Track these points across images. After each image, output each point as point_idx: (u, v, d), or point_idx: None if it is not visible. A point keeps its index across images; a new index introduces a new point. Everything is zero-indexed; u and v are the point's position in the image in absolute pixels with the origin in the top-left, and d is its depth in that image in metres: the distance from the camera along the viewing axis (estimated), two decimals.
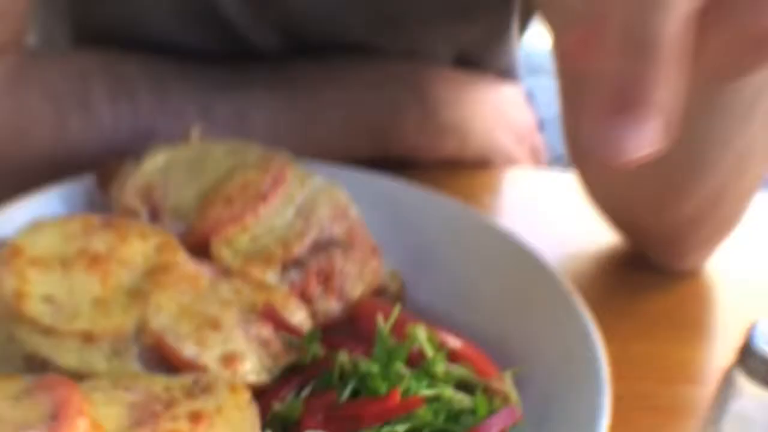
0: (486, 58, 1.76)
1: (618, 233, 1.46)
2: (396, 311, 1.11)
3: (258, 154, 1.34)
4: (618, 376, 1.11)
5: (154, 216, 1.30)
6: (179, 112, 1.50)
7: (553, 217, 1.55)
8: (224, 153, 1.35)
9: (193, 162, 1.34)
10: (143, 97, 1.50)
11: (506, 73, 1.79)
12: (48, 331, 1.10)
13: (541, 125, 1.85)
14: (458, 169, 1.63)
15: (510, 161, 1.69)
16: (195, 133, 1.39)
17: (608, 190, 1.37)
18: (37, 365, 1.11)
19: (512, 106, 1.75)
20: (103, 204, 1.35)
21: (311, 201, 1.29)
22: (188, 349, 1.09)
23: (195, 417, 1.00)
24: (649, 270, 1.45)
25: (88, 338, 1.10)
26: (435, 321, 1.19)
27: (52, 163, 1.44)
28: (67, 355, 1.09)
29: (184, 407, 1.01)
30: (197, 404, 1.02)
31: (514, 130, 1.71)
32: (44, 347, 1.10)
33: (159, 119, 1.49)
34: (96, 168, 1.38)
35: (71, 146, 1.47)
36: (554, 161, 1.87)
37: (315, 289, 1.23)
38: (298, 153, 1.37)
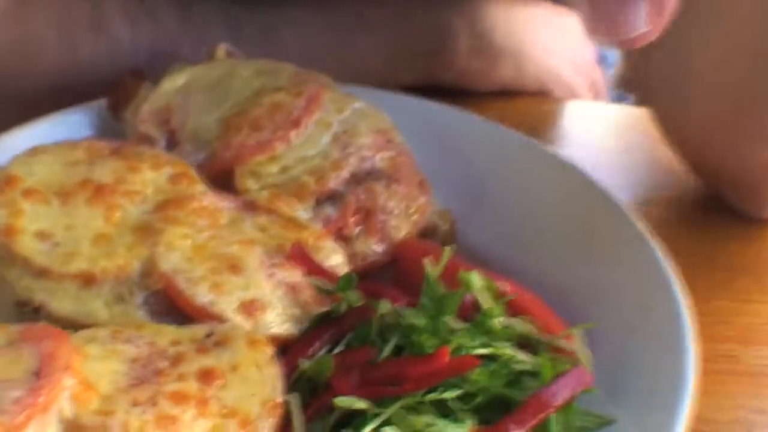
0: None
1: (696, 176, 1.30)
2: (447, 254, 0.96)
3: (290, 74, 1.19)
4: (697, 335, 0.96)
5: (172, 143, 1.15)
6: (203, 31, 1.37)
7: (621, 155, 1.39)
8: (252, 73, 1.20)
9: (217, 82, 1.19)
10: (164, 16, 1.37)
11: (564, 0, 1.63)
12: (42, 273, 0.96)
13: (602, 60, 1.72)
14: (515, 99, 1.49)
15: (570, 93, 1.55)
16: (220, 51, 1.23)
17: (685, 128, 1.24)
18: (28, 312, 0.96)
19: (572, 35, 1.60)
20: (115, 132, 1.19)
21: (350, 127, 1.14)
22: (202, 295, 0.94)
23: (205, 375, 0.86)
24: (730, 216, 1.28)
25: (87, 281, 0.96)
26: (491, 267, 1.04)
27: (61, 91, 1.31)
28: (62, 301, 0.96)
29: (194, 364, 0.87)
30: (209, 360, 0.88)
31: (574, 60, 1.58)
32: (37, 291, 0.96)
33: (181, 39, 1.36)
34: (108, 88, 1.21)
35: (82, 71, 1.34)
36: (615, 101, 1.74)
37: (353, 227, 1.08)
38: (335, 78, 1.22)
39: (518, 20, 1.48)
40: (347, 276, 0.97)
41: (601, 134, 1.48)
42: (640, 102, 1.30)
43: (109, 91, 1.23)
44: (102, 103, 1.23)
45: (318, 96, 1.15)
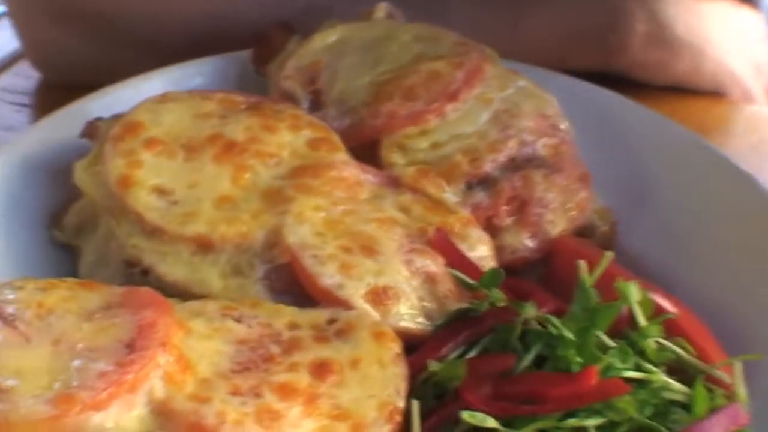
0: None
1: None
2: (606, 259, 0.84)
3: (452, 43, 1.09)
4: None
5: (316, 104, 1.05)
6: None
7: None
8: (412, 38, 1.10)
9: (372, 44, 1.09)
10: None
11: None
12: (154, 232, 0.88)
13: None
14: (690, 98, 1.37)
15: (746, 96, 1.43)
16: (380, 10, 1.12)
17: None
18: (136, 274, 0.88)
19: (752, 34, 1.49)
20: (257, 87, 1.10)
21: (513, 107, 1.03)
22: (329, 276, 0.84)
23: (320, 369, 0.76)
24: None
25: (203, 246, 0.87)
26: (648, 277, 0.93)
27: (198, 43, 1.23)
28: (173, 266, 0.87)
29: (309, 354, 0.78)
30: (327, 352, 0.78)
31: (753, 61, 1.46)
32: (147, 252, 0.88)
33: None
34: (255, 39, 1.13)
35: (227, 20, 1.26)
36: None
37: (505, 217, 0.97)
38: (503, 54, 1.12)
39: (701, 14, 1.37)
40: (494, 271, 0.87)
41: None
42: None
43: (255, 42, 1.14)
44: (246, 54, 1.14)
45: (480, 69, 1.04)
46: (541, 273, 0.96)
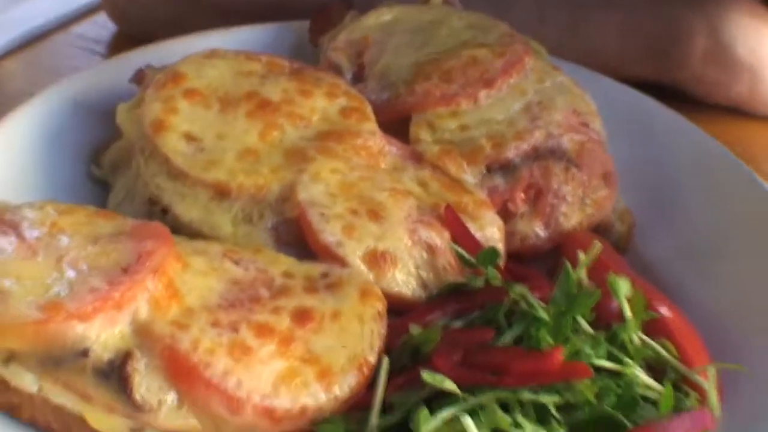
0: None
1: None
2: (597, 249, 0.87)
3: (502, 33, 1.12)
4: None
5: (359, 77, 1.10)
6: None
7: None
8: (464, 25, 1.14)
9: (424, 26, 1.13)
10: None
11: None
12: (178, 175, 0.93)
13: None
14: (744, 120, 1.39)
15: None
16: None
17: None
18: (157, 212, 0.93)
19: None
20: (311, 57, 1.15)
21: (546, 99, 1.06)
22: (330, 233, 0.88)
23: (301, 315, 0.80)
24: None
25: (220, 192, 0.92)
26: (659, 281, 0.97)
27: (269, 5, 1.31)
28: (190, 208, 0.92)
29: (294, 300, 0.82)
30: (312, 302, 0.82)
31: None
32: (168, 192, 0.93)
33: None
34: (313, 11, 1.17)
35: None
36: None
37: (520, 204, 1.00)
38: (561, 55, 1.17)
39: (762, 37, 1.37)
40: (491, 249, 0.90)
41: None
42: None
43: (314, 14, 1.19)
44: (304, 25, 1.18)
45: (520, 60, 1.08)
46: (550, 264, 0.98)
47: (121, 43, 1.37)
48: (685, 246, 1.04)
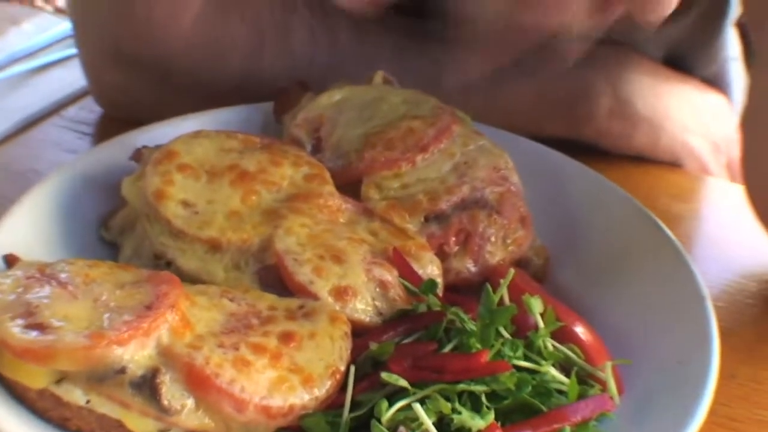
0: (694, 62, 1.69)
1: None
2: (510, 275, 1.08)
3: (432, 106, 1.33)
4: (742, 398, 1.09)
5: (317, 148, 1.30)
6: (373, 56, 1.50)
7: (741, 238, 1.45)
8: (400, 100, 1.35)
9: (368, 103, 1.34)
10: (342, 37, 1.50)
11: (714, 81, 1.71)
12: (178, 234, 1.13)
13: None
14: (648, 167, 1.58)
15: (703, 170, 1.62)
16: (378, 76, 1.38)
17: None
18: (162, 264, 1.14)
19: (713, 113, 1.64)
20: (275, 132, 1.36)
21: (471, 160, 1.27)
22: (303, 274, 1.09)
23: (286, 337, 1.01)
24: None
25: (213, 246, 1.13)
26: (569, 302, 1.17)
27: (242, 91, 1.45)
28: (190, 260, 1.12)
29: (279, 326, 1.03)
30: (293, 326, 1.03)
31: (711, 138, 1.61)
32: (171, 248, 1.13)
33: (352, 59, 1.49)
34: (276, 94, 1.38)
35: (263, 75, 1.48)
36: None
37: (453, 246, 1.21)
38: (483, 117, 1.36)
39: (660, 93, 1.56)
40: (431, 281, 1.11)
41: (727, 211, 1.54)
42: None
43: (276, 96, 1.39)
44: (269, 106, 1.39)
45: (448, 128, 1.28)
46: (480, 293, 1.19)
47: (108, 125, 1.52)
48: (588, 271, 1.25)
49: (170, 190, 1.15)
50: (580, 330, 1.11)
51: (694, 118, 1.60)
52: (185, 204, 1.15)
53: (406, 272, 1.12)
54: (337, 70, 1.44)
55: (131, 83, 1.47)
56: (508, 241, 1.23)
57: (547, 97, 1.53)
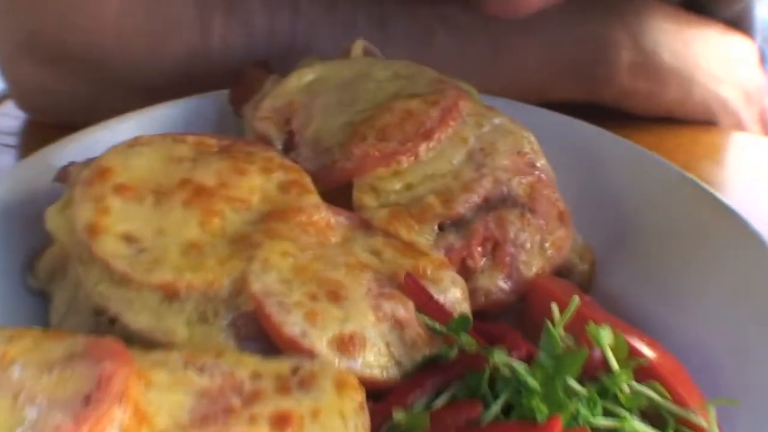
0: (715, 3, 1.51)
1: None
2: (574, 303, 0.84)
3: (430, 80, 1.09)
4: None
5: (290, 145, 1.05)
6: (347, 26, 1.30)
7: None
8: (389, 75, 1.10)
9: (348, 82, 1.09)
10: (306, 7, 1.30)
11: (737, 23, 1.55)
12: (122, 280, 0.87)
13: None
14: (679, 128, 1.39)
15: (737, 124, 1.46)
16: (357, 47, 1.13)
17: None
18: (104, 323, 0.88)
19: (743, 60, 1.52)
20: (237, 128, 1.11)
21: (488, 145, 1.03)
22: (293, 324, 0.84)
23: (280, 421, 0.76)
24: None
25: (169, 294, 0.86)
26: (629, 317, 0.94)
27: (190, 78, 1.26)
28: (139, 314, 0.86)
29: (270, 405, 0.77)
30: (288, 403, 0.77)
31: (744, 87, 1.48)
32: (114, 300, 0.88)
33: (322, 30, 1.29)
34: (232, 78, 1.14)
35: (213, 56, 1.28)
36: None
37: (478, 259, 0.96)
38: (486, 87, 1.14)
39: (688, 40, 1.39)
40: (462, 317, 0.87)
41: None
42: None
43: (232, 82, 1.15)
44: (225, 94, 1.14)
45: (455, 107, 1.04)
46: (517, 315, 0.95)
47: (36, 132, 1.34)
48: (647, 275, 1.02)
49: (106, 220, 0.90)
50: (659, 359, 0.88)
51: (724, 66, 1.45)
52: (128, 238, 0.89)
53: (425, 303, 0.89)
54: (304, 44, 1.25)
55: (55, 80, 1.30)
56: (546, 245, 1.00)
57: (557, 56, 1.35)
